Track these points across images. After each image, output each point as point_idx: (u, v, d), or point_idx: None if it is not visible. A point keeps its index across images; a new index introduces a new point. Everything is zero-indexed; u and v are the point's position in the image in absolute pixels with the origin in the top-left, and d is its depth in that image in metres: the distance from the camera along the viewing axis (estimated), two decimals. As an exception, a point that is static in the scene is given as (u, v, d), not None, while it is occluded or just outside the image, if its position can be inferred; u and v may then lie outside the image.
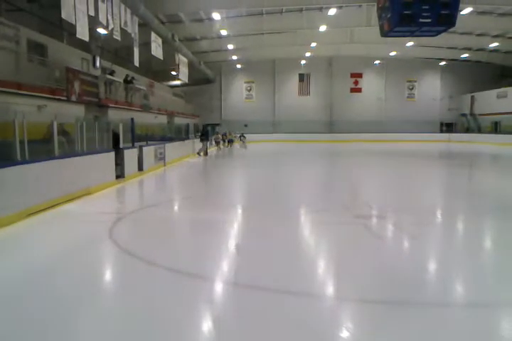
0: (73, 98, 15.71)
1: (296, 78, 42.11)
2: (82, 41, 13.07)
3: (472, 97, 39.73)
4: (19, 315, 3.81)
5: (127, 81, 22.52)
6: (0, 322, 3.73)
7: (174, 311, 3.93)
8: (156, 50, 19.72)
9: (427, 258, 5.56)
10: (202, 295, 4.28)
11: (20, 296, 4.29)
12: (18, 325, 3.67)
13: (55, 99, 14.87)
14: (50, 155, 8.75)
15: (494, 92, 36.25)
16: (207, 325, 3.67)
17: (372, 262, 5.31)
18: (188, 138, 23.78)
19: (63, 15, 11.02)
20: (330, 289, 4.56)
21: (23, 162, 7.62)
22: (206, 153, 23.32)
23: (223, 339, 3.46)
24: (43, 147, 8.72)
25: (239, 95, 42.45)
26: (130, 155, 13.16)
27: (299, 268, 5.08)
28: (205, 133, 23.79)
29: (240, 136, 32.22)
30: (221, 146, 29.41)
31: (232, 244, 6.14)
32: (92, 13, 12.39)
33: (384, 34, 14.64)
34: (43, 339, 3.46)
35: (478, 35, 31.81)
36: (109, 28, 14.30)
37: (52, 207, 8.22)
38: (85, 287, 4.52)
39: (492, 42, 32.39)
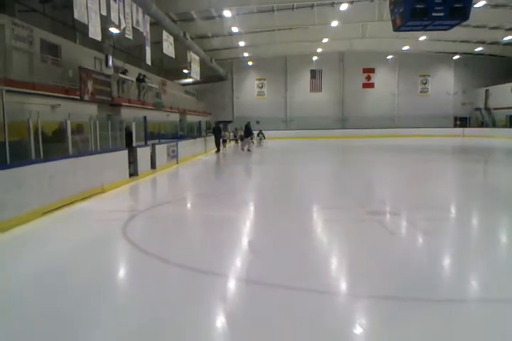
0: (86, 97, 15.84)
1: (308, 74, 41.91)
2: (94, 41, 13.15)
3: (487, 91, 39.19)
4: (35, 311, 3.88)
5: (139, 79, 22.64)
6: (18, 318, 3.79)
7: (187, 308, 3.96)
8: (168, 48, 19.76)
9: (441, 254, 5.51)
10: (215, 292, 4.29)
11: (35, 293, 4.35)
12: (35, 321, 3.73)
13: (68, 98, 15.01)
14: (64, 154, 8.84)
15: (509, 86, 35.70)
16: (220, 322, 3.69)
17: (387, 258, 5.29)
18: (200, 135, 23.86)
19: (76, 15, 11.10)
20: (343, 285, 4.56)
21: (38, 161, 7.72)
22: (249, 149, 24.22)
23: (236, 335, 3.48)
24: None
25: (251, 92, 42.45)
26: (143, 154, 13.25)
27: (312, 264, 5.08)
28: (247, 130, 24.93)
29: (258, 134, 31.26)
30: (227, 145, 28.45)
31: (244, 240, 6.17)
32: (104, 12, 12.44)
33: (396, 28, 14.46)
34: (58, 334, 3.51)
35: (492, 28, 31.33)
36: (121, 28, 14.35)
37: (67, 205, 8.32)
38: (99, 284, 4.58)
39: (506, 36, 31.92)
